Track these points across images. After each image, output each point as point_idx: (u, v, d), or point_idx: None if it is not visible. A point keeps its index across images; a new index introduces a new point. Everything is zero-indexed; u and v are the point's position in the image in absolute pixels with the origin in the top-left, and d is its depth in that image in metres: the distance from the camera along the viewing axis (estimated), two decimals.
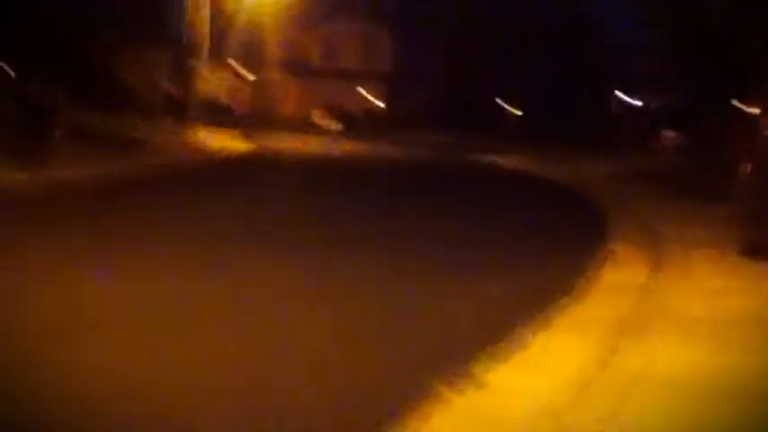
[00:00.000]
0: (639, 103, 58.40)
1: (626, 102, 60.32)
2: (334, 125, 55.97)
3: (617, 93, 61.60)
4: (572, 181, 25.41)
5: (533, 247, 12.44)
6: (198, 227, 12.31)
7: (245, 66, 68.42)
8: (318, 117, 57.45)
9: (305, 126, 54.13)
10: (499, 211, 17.23)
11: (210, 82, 44.58)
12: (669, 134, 40.53)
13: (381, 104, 68.70)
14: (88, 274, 8.49)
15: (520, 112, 68.95)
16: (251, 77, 69.88)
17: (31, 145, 18.51)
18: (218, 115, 46.99)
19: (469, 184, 25.52)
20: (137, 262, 9.32)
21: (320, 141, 40.83)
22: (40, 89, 27.11)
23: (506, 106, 68.86)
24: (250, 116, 63.04)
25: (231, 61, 64.44)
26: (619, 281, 9.96)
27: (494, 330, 7.13)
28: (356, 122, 58.16)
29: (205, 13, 35.79)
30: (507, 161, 33.67)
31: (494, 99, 66.44)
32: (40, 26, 44.18)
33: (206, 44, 36.39)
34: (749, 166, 12.62)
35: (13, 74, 30.01)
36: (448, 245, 12.18)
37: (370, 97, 68.37)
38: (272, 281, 8.89)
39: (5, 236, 10.34)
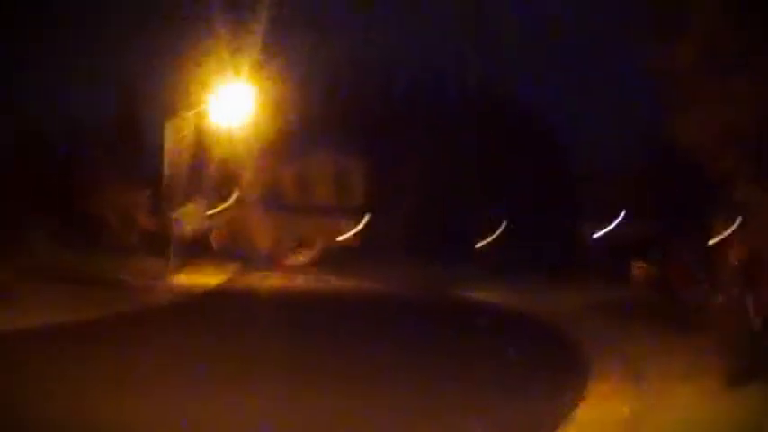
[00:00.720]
0: (608, 233, 59.11)
1: (596, 231, 61.05)
2: (307, 261, 56.15)
3: (585, 223, 62.37)
4: (547, 314, 25.58)
5: (513, 385, 12.50)
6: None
7: (219, 201, 68.99)
8: (290, 253, 57.60)
9: (279, 261, 54.28)
10: (477, 347, 17.34)
11: (190, 218, 44.90)
12: (639, 264, 40.94)
13: (356, 238, 69.11)
14: None
15: (491, 242, 69.54)
16: (225, 213, 70.37)
17: None
18: (195, 251, 47.17)
19: (446, 321, 25.53)
20: None
21: (297, 277, 41.02)
22: None
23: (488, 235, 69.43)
24: (225, 251, 63.24)
25: (204, 197, 64.99)
26: (600, 416, 10.06)
27: None
28: (329, 257, 58.34)
29: (182, 152, 36.35)
30: (484, 294, 33.89)
31: (467, 231, 66.96)
32: (17, 164, 44.72)
33: (182, 180, 36.84)
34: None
35: None
36: (436, 385, 12.26)
37: (347, 230, 68.82)
38: None
39: None
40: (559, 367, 14.67)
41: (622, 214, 57.33)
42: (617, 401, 11.14)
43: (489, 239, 71.24)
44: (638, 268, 40.62)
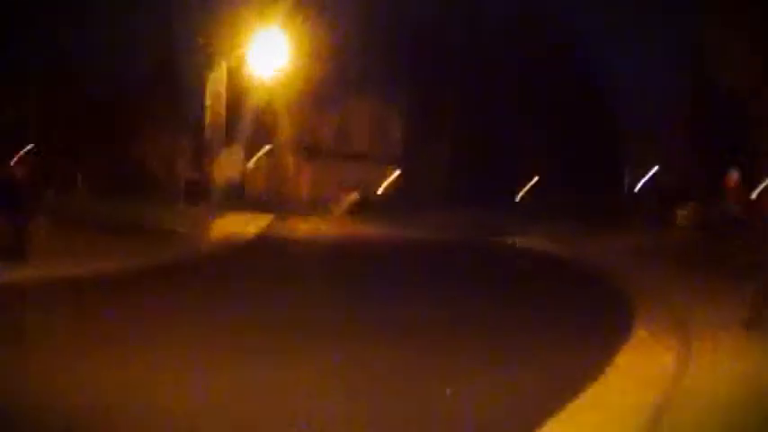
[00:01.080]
0: (654, 178, 58.58)
1: (641, 178, 60.54)
2: (347, 207, 56.10)
3: (632, 169, 61.86)
4: (591, 259, 25.36)
5: (557, 331, 12.39)
6: (220, 317, 12.32)
7: (259, 148, 69.11)
8: (330, 199, 57.61)
9: (319, 208, 54.31)
10: (520, 293, 17.27)
11: (227, 166, 44.99)
12: (684, 211, 40.51)
13: (394, 186, 69.03)
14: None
15: (533, 187, 69.13)
16: (265, 160, 70.51)
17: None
18: (235, 198, 47.33)
19: (490, 267, 25.43)
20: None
21: (335, 224, 40.95)
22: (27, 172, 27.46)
23: (529, 184, 69.06)
24: (265, 199, 63.45)
25: (245, 144, 65.09)
26: (647, 365, 9.93)
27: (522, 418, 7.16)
28: (369, 204, 58.31)
29: (221, 98, 36.28)
30: (526, 241, 33.66)
31: (507, 178, 66.60)
32: (59, 115, 45.01)
33: (222, 128, 36.83)
34: None
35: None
36: (475, 331, 12.16)
37: (384, 179, 68.75)
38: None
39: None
40: (601, 312, 14.52)
41: (655, 169, 56.86)
42: (661, 348, 11.00)
43: (529, 187, 70.94)
44: (682, 215, 40.26)
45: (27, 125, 41.57)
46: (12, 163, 27.72)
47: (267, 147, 69.93)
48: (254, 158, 70.79)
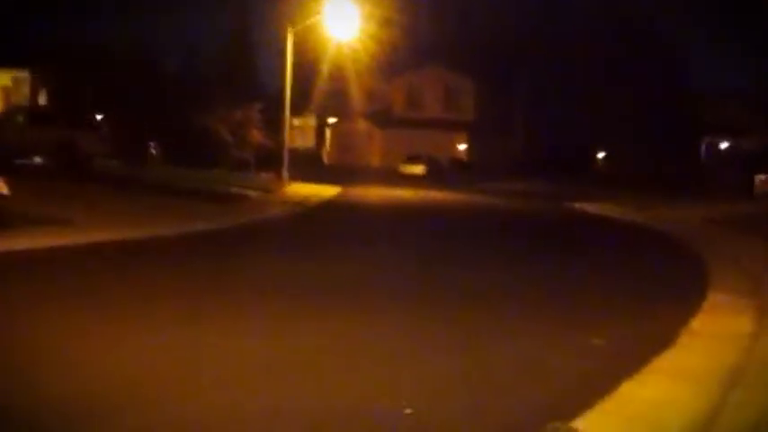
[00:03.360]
0: (731, 146, 57.62)
1: (717, 146, 59.56)
2: (420, 174, 56.16)
3: (707, 137, 60.92)
4: (665, 227, 25.02)
5: (630, 295, 12.28)
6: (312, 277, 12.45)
7: (331, 115, 69.45)
8: (403, 165, 57.72)
9: (390, 174, 54.44)
10: (590, 259, 17.14)
11: (297, 134, 45.33)
12: (763, 178, 39.72)
13: (465, 153, 68.91)
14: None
15: (610, 158, 68.48)
16: (337, 127, 70.86)
17: None
18: (307, 165, 47.73)
19: (564, 233, 25.29)
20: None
21: (406, 190, 40.93)
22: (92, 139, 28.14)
23: (598, 153, 68.46)
24: (335, 165, 63.84)
25: (317, 112, 65.44)
26: (724, 329, 9.80)
27: (595, 382, 7.11)
28: (441, 171, 58.31)
29: (292, 67, 36.45)
30: (598, 209, 33.33)
31: (578, 145, 66.08)
32: (132, 85, 45.83)
33: (293, 95, 37.03)
34: None
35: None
36: (546, 296, 12.12)
37: (455, 146, 68.64)
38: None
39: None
40: (676, 278, 14.31)
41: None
42: (736, 312, 10.83)
43: (603, 157, 70.22)
44: (761, 182, 39.53)
45: (102, 98, 42.45)
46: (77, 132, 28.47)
47: (336, 114, 70.30)
48: (328, 125, 71.27)
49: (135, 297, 10.06)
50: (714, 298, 11.84)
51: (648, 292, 12.58)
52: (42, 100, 39.88)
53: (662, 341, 8.71)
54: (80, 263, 12.54)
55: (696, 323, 9.98)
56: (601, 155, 69.25)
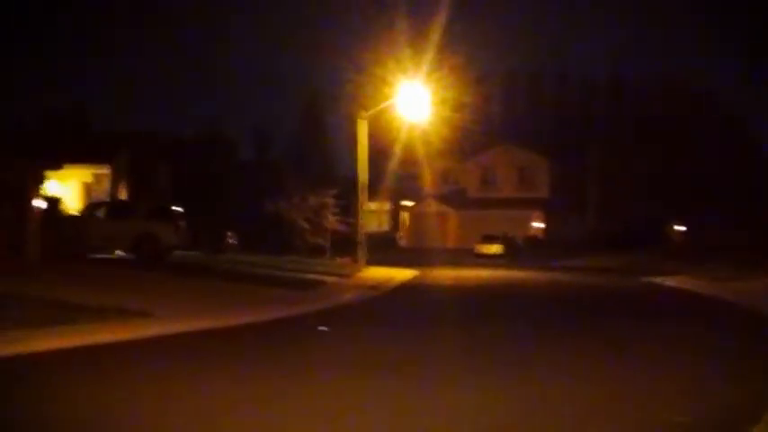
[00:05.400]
0: None
1: None
2: (496, 253, 55.93)
3: None
4: (746, 302, 24.39)
5: (714, 375, 11.92)
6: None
7: (404, 198, 69.85)
8: (479, 246, 57.57)
9: (466, 255, 54.30)
10: (672, 333, 16.72)
11: (372, 217, 45.57)
12: None
13: (541, 230, 68.56)
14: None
15: (683, 230, 67.54)
16: (412, 210, 71.16)
17: None
18: (382, 248, 47.89)
19: (640, 308, 24.80)
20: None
21: (484, 270, 40.71)
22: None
23: (676, 226, 67.57)
24: (410, 247, 63.92)
25: (391, 196, 65.87)
26: None
27: None
28: (518, 250, 58.03)
29: (366, 151, 36.85)
30: (676, 281, 32.74)
31: (650, 218, 65.35)
32: (208, 174, 46.77)
33: (366, 181, 37.34)
34: None
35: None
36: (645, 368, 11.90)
37: (529, 224, 68.36)
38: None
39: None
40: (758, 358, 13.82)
41: None
42: None
43: (677, 229, 69.17)
44: None
45: (179, 187, 43.36)
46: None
47: (411, 197, 70.67)
48: (400, 209, 71.61)
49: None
50: None
51: (737, 371, 12.19)
52: (123, 194, 40.82)
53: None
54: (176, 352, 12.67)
55: None
56: (676, 227, 68.28)
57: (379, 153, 46.85)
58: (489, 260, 52.57)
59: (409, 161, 55.06)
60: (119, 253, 29.26)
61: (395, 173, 57.75)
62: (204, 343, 14.04)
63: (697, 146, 63.54)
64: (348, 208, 41.20)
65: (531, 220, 69.17)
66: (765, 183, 60.36)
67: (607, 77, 75.08)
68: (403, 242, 70.02)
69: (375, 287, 27.70)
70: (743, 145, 66.58)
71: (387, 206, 69.26)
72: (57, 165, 29.26)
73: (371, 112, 37.11)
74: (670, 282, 33.14)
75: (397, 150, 47.26)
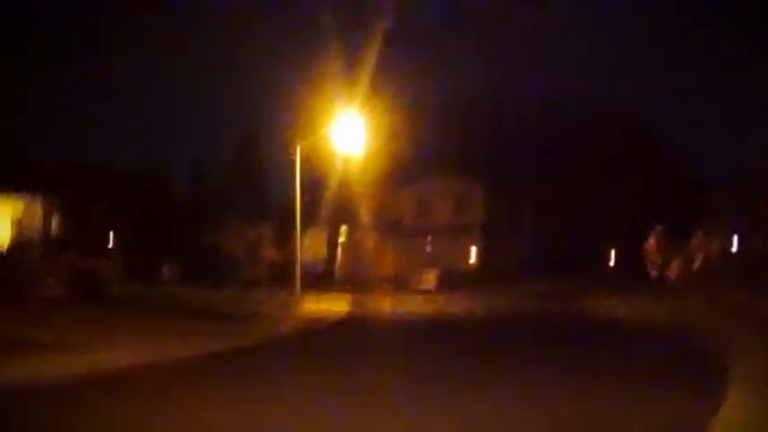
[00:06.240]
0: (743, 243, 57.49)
1: (720, 243, 59.30)
2: (431, 283, 56.22)
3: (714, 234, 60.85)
4: (677, 325, 25.00)
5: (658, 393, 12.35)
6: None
7: (341, 228, 69.91)
8: (415, 279, 57.78)
9: (403, 286, 54.48)
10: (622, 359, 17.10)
11: (310, 248, 45.60)
12: None
13: (477, 257, 69.04)
14: None
15: (617, 255, 68.44)
16: (347, 240, 71.22)
17: None
18: (320, 279, 47.91)
19: (581, 333, 25.23)
20: None
21: (421, 301, 40.97)
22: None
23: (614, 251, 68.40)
24: (347, 278, 63.94)
25: (327, 225, 65.92)
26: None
27: None
28: (453, 278, 58.33)
29: (301, 182, 36.94)
30: (611, 308, 33.36)
31: (587, 245, 66.10)
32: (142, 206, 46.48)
33: (302, 211, 37.36)
34: None
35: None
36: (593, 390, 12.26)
37: (467, 250, 68.80)
38: None
39: None
40: (698, 371, 14.30)
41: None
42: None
43: (614, 256, 70.09)
44: None
45: (113, 220, 43.03)
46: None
47: (346, 227, 70.76)
48: (336, 239, 71.63)
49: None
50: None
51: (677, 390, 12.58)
52: (55, 227, 40.24)
53: None
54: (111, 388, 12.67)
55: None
56: (612, 251, 69.06)
57: (316, 182, 47.00)
58: (424, 290, 52.99)
59: (345, 191, 55.28)
60: (54, 290, 28.90)
61: (331, 202, 57.87)
62: (147, 375, 14.10)
63: (626, 171, 64.57)
64: (284, 239, 41.21)
65: (467, 247, 69.59)
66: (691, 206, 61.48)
67: (539, 99, 75.99)
68: (340, 272, 69.93)
69: (311, 320, 27.80)
70: (671, 170, 67.79)
71: (323, 236, 69.22)
72: None
73: (305, 142, 37.24)
74: (596, 306, 33.88)
75: (334, 180, 47.46)
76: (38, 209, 39.64)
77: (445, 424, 10.49)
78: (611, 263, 68.14)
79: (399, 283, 56.59)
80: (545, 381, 14.09)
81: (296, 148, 36.81)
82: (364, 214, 68.51)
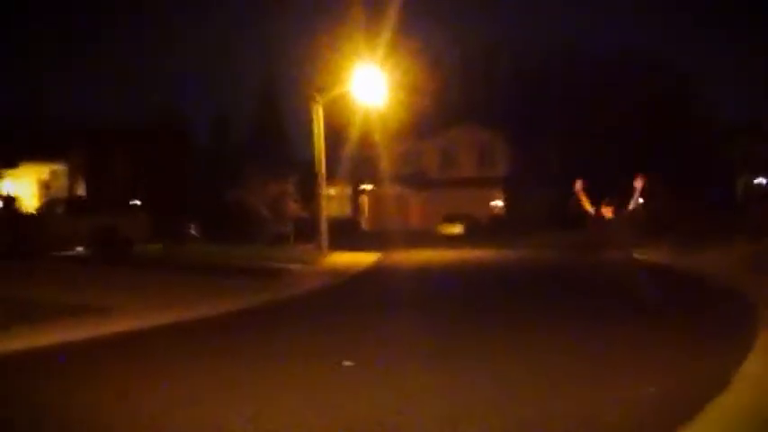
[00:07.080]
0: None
1: (753, 184, 58.85)
2: (458, 233, 56.13)
3: (742, 176, 60.27)
4: (706, 271, 24.75)
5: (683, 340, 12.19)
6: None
7: (364, 182, 69.81)
8: (441, 226, 57.76)
9: (428, 236, 54.42)
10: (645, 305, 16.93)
11: (335, 201, 45.51)
12: None
13: (503, 208, 68.85)
14: None
15: (641, 203, 68.02)
16: (372, 193, 71.14)
17: None
18: (345, 233, 47.87)
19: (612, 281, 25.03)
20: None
21: (448, 250, 40.84)
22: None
23: (639, 196, 67.93)
24: (373, 230, 63.94)
25: (352, 180, 65.79)
26: None
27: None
28: (479, 229, 58.21)
29: (323, 136, 36.78)
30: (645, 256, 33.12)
31: (613, 194, 65.69)
32: (165, 163, 46.42)
33: (324, 167, 37.24)
34: None
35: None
36: (601, 345, 12.14)
37: (492, 202, 68.62)
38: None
39: None
40: (729, 321, 14.14)
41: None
42: None
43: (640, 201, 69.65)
44: None
45: (137, 179, 43.04)
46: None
47: (371, 180, 70.66)
48: (361, 192, 71.61)
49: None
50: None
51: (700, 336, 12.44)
52: (81, 189, 40.41)
53: (717, 385, 8.61)
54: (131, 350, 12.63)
55: (749, 367, 9.88)
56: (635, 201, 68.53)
57: (337, 136, 46.79)
58: (453, 240, 52.73)
59: (368, 145, 55.04)
60: (78, 249, 28.99)
61: (354, 156, 57.70)
62: (171, 337, 14.03)
63: (651, 113, 63.79)
64: (309, 194, 41.10)
65: (493, 197, 69.42)
66: (713, 153, 60.85)
67: (563, 47, 75.03)
68: (366, 225, 70.05)
69: (338, 274, 27.73)
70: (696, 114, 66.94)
71: (347, 190, 69.24)
72: (12, 163, 28.95)
73: (327, 97, 37.03)
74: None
75: (355, 134, 47.21)
76: (63, 171, 39.79)
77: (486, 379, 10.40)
78: (642, 211, 67.72)
79: (424, 234, 56.55)
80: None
81: (316, 103, 36.61)
82: (388, 167, 68.32)
